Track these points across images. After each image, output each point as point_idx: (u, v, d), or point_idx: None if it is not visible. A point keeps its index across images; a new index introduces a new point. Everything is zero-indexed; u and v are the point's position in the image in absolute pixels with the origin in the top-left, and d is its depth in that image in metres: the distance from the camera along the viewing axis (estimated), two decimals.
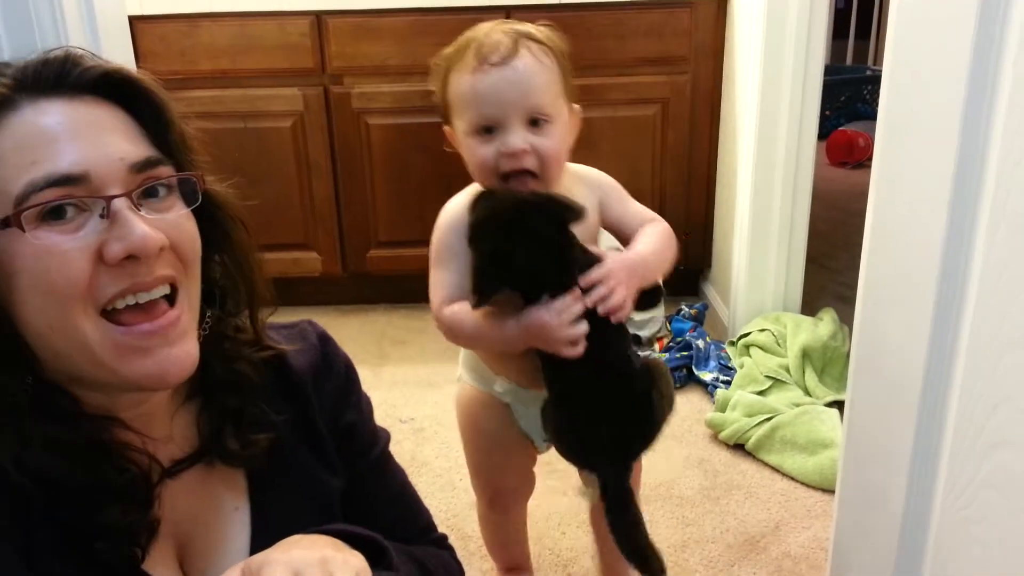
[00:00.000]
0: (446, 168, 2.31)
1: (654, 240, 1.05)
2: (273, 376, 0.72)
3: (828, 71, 2.40)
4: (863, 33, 5.05)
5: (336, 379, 0.76)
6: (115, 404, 0.61)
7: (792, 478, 1.61)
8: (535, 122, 0.96)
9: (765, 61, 1.91)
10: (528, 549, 1.36)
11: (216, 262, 0.67)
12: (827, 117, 4.14)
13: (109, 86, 0.58)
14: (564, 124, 1.00)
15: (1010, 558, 0.75)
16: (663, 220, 1.09)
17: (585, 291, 0.92)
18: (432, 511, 0.87)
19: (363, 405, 0.80)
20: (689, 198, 2.35)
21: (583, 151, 2.57)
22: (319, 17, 2.15)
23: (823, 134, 3.60)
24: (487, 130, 0.96)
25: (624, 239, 1.08)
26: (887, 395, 0.96)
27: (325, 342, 0.77)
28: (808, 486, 1.58)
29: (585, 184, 1.07)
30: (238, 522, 0.69)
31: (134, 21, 2.08)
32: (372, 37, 2.18)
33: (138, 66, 1.95)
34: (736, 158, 2.12)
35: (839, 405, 1.72)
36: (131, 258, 0.54)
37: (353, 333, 2.27)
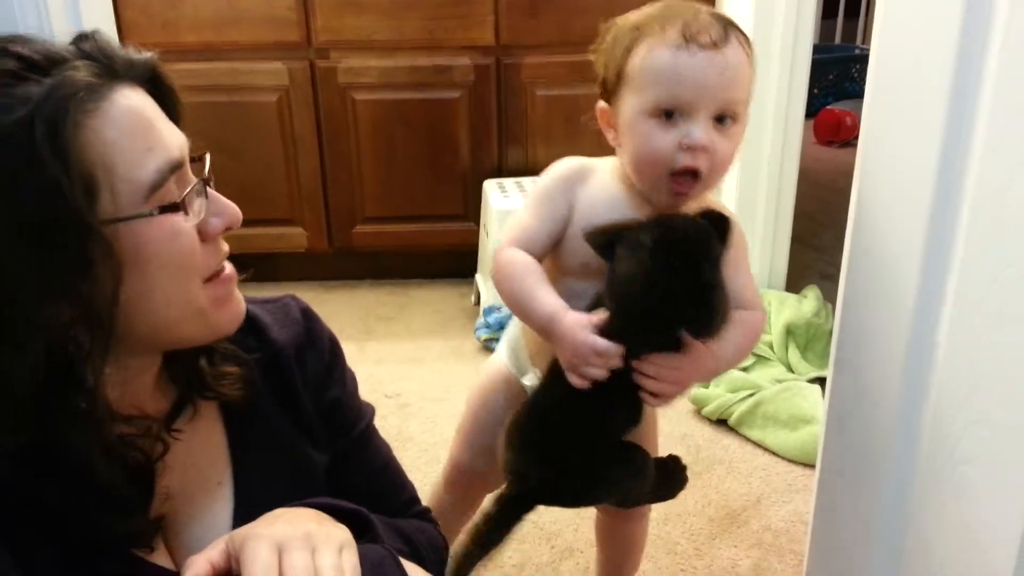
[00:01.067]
0: (432, 144, 2.31)
1: (741, 340, 0.90)
2: (255, 346, 0.72)
3: (816, 50, 2.40)
4: (852, 12, 5.04)
5: (320, 354, 0.76)
6: (128, 386, 0.61)
7: (774, 453, 1.63)
8: (721, 119, 0.86)
9: (754, 39, 1.88)
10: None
11: None
12: (815, 95, 4.14)
13: (152, 78, 0.61)
14: (743, 130, 0.90)
15: (986, 533, 0.77)
16: (760, 308, 0.95)
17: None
18: (417, 485, 0.88)
19: (348, 380, 0.80)
20: None
21: (571, 128, 2.56)
22: None
23: (811, 112, 3.60)
24: (668, 114, 0.85)
25: None
26: (869, 371, 0.97)
27: (308, 317, 0.77)
28: (789, 461, 1.61)
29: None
30: (221, 497, 0.69)
31: None
32: (359, 11, 2.15)
33: (120, 38, 1.92)
34: None
35: (821, 381, 1.74)
36: (224, 230, 0.61)
37: (339, 309, 2.26)
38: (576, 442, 0.90)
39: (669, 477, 1.03)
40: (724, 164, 0.87)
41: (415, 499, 0.86)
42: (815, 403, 1.66)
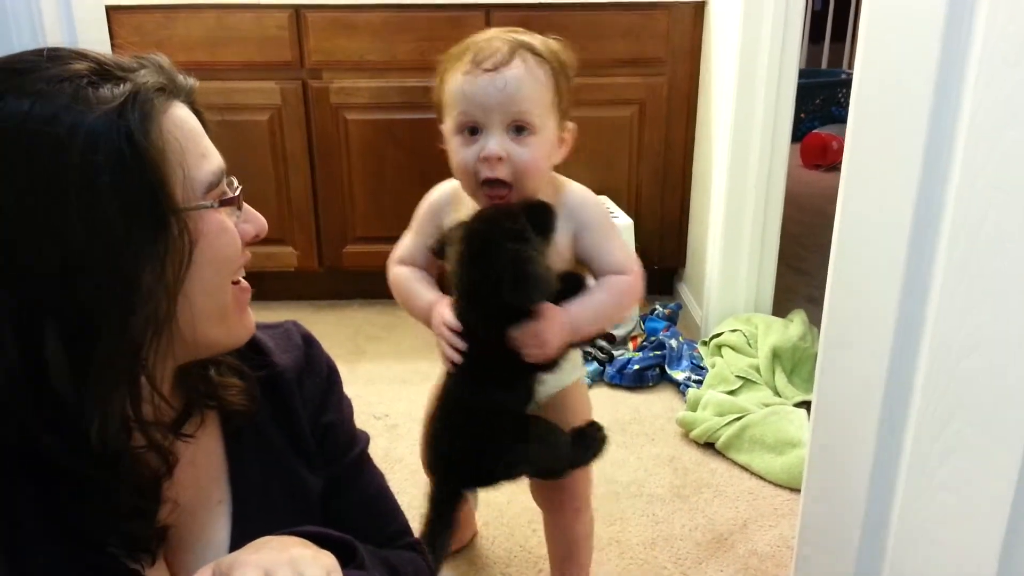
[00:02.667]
0: (423, 164, 2.32)
1: (603, 299, 1.03)
2: (258, 367, 0.73)
3: (803, 74, 2.44)
4: (838, 36, 5.12)
5: (318, 379, 0.78)
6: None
7: (760, 477, 1.64)
8: (518, 130, 0.98)
9: (741, 63, 1.93)
10: (468, 513, 1.42)
11: None
12: (802, 120, 4.20)
13: (191, 101, 0.65)
14: (548, 138, 1.01)
15: (965, 560, 0.78)
16: (634, 271, 1.06)
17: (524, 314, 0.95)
18: (405, 507, 0.88)
19: (344, 407, 0.81)
20: (664, 198, 2.38)
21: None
22: (297, 11, 2.15)
23: (797, 136, 3.65)
24: (471, 131, 0.99)
25: (594, 275, 1.07)
26: (851, 398, 0.98)
27: (309, 343, 0.79)
28: (776, 485, 1.61)
29: (564, 210, 1.05)
30: (220, 515, 0.70)
31: (111, 11, 2.06)
32: (350, 32, 2.17)
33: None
34: (711, 159, 2.14)
35: (808, 405, 1.75)
36: (252, 239, 0.66)
37: (328, 329, 2.26)
38: (479, 425, 1.00)
39: (587, 443, 1.11)
40: (529, 169, 0.99)
41: (406, 530, 0.86)
42: (801, 427, 1.67)
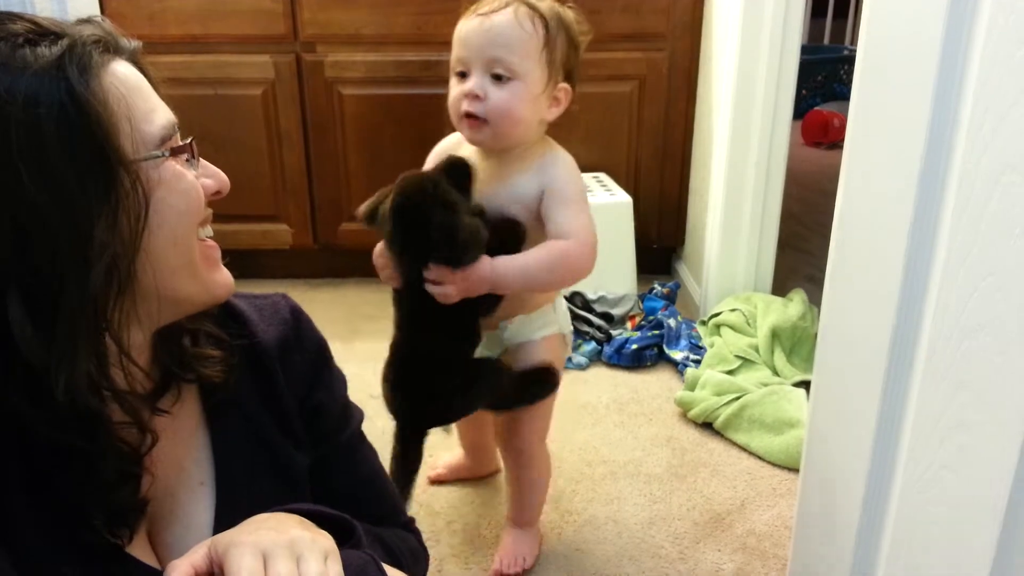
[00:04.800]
0: (420, 140, 2.28)
1: (537, 258, 1.07)
2: (237, 337, 0.71)
3: (805, 50, 2.41)
4: (841, 13, 5.06)
5: (306, 355, 0.76)
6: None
7: (759, 457, 1.63)
8: (498, 77, 1.06)
9: (742, 39, 1.90)
10: (488, 452, 1.53)
11: None
12: (803, 97, 4.16)
13: (136, 64, 0.64)
14: (530, 88, 1.07)
15: (966, 538, 0.77)
16: (578, 241, 1.08)
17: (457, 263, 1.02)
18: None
19: (335, 384, 0.79)
20: (664, 176, 2.35)
21: (559, 127, 2.55)
22: None
23: (799, 114, 3.62)
24: (462, 74, 1.09)
25: (548, 237, 1.11)
26: (852, 376, 0.97)
27: (298, 317, 0.77)
28: (774, 465, 1.61)
29: (536, 168, 1.12)
30: (204, 496, 0.69)
31: None
32: (346, 5, 2.14)
33: None
34: (711, 137, 2.12)
35: (807, 385, 1.74)
36: (216, 194, 0.66)
37: (324, 307, 2.25)
38: (429, 370, 1.09)
39: (533, 385, 1.19)
40: (502, 112, 1.06)
41: (399, 508, 0.85)
42: (800, 407, 1.66)
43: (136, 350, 0.62)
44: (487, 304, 1.08)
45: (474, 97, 1.06)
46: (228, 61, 2.16)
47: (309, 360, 0.76)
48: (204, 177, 0.65)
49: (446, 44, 2.38)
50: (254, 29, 2.13)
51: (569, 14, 1.10)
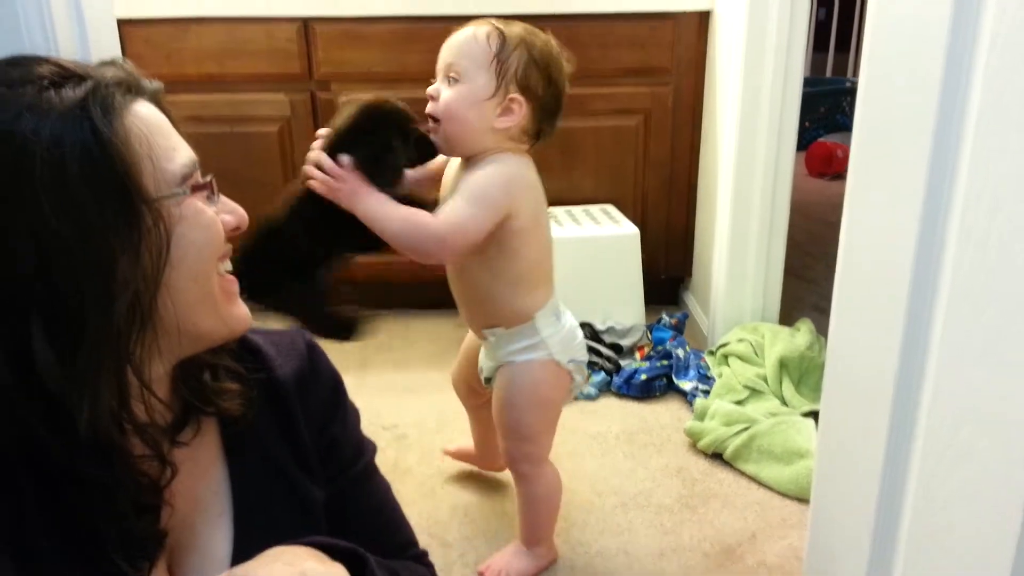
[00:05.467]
0: None
1: (399, 213, 1.13)
2: (257, 381, 0.72)
3: (808, 83, 2.44)
4: (843, 46, 5.13)
5: (322, 390, 0.77)
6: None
7: (768, 487, 1.63)
8: (451, 80, 1.17)
9: (746, 73, 1.94)
10: (495, 450, 1.55)
11: None
12: (806, 128, 4.20)
13: (157, 99, 0.66)
14: (475, 92, 1.16)
15: (977, 568, 0.77)
16: (438, 225, 1.15)
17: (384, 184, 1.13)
18: (414, 518, 0.88)
19: (349, 418, 0.80)
20: (670, 207, 2.38)
21: (568, 160, 2.59)
22: (306, 23, 2.16)
23: (802, 145, 3.66)
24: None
25: None
26: (860, 407, 0.98)
27: (313, 351, 0.78)
28: (784, 495, 1.61)
29: (475, 163, 1.20)
30: (222, 528, 0.69)
31: (122, 24, 2.08)
32: (359, 44, 2.19)
33: None
34: (717, 168, 2.15)
35: (815, 415, 1.75)
36: (236, 229, 0.67)
37: None
38: (289, 249, 1.15)
39: (339, 323, 1.25)
40: (447, 110, 1.16)
41: (412, 541, 0.86)
42: (809, 437, 1.66)
43: (156, 383, 0.64)
44: (354, 233, 1.15)
45: (431, 98, 1.17)
46: (244, 99, 2.21)
47: (325, 394, 0.77)
48: (224, 213, 0.66)
49: None
50: (270, 68, 2.19)
51: (542, 41, 1.19)
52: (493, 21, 1.19)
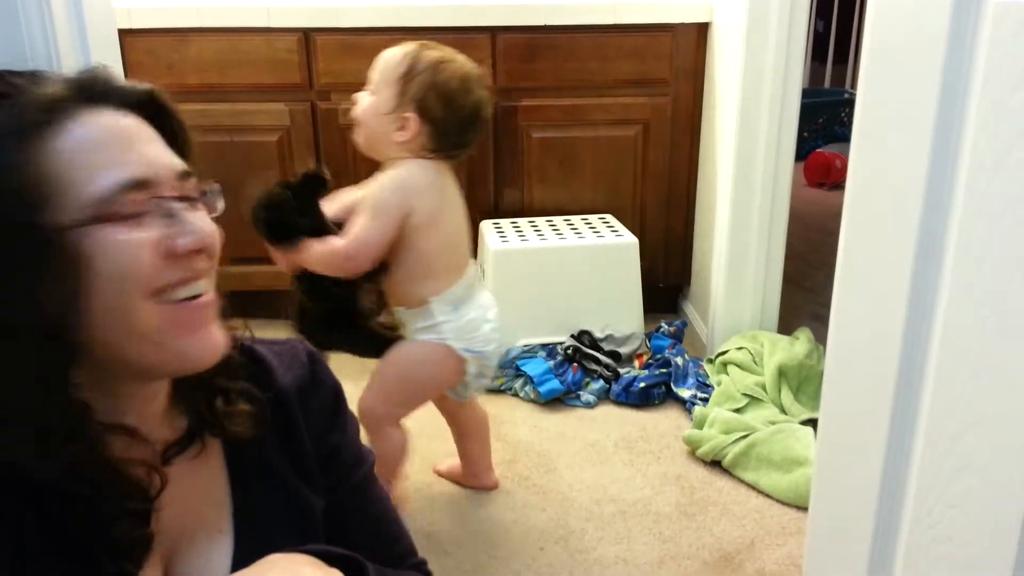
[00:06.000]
0: None
1: (319, 250, 1.34)
2: (258, 390, 0.72)
3: (806, 94, 2.46)
4: (841, 57, 5.15)
5: (323, 399, 0.77)
6: (121, 409, 0.62)
7: (767, 495, 1.63)
8: (369, 91, 1.36)
9: (744, 84, 1.95)
10: (478, 467, 1.67)
11: None
12: (805, 139, 4.21)
13: (147, 104, 0.63)
14: (379, 105, 1.34)
15: (977, 574, 0.78)
16: (346, 243, 1.33)
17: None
18: (412, 526, 0.88)
19: (349, 427, 0.80)
20: (669, 217, 2.39)
21: (567, 170, 2.60)
22: (306, 34, 2.17)
23: (801, 155, 3.67)
24: None
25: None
26: (859, 415, 0.99)
27: (314, 361, 0.78)
28: (783, 503, 1.61)
29: (378, 178, 1.38)
30: (222, 540, 0.69)
31: (123, 34, 2.09)
32: (358, 54, 2.19)
33: (127, 79, 1.96)
34: (715, 178, 2.16)
35: (814, 423, 1.75)
36: (194, 252, 0.61)
37: None
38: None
39: (382, 345, 1.48)
40: (359, 117, 1.38)
41: (412, 550, 0.85)
42: (808, 445, 1.67)
43: (140, 400, 0.63)
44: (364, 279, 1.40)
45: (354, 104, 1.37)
46: (245, 109, 2.22)
47: (326, 403, 0.77)
48: (181, 236, 0.59)
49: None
50: (270, 78, 2.20)
51: (454, 69, 1.33)
52: (422, 44, 1.35)
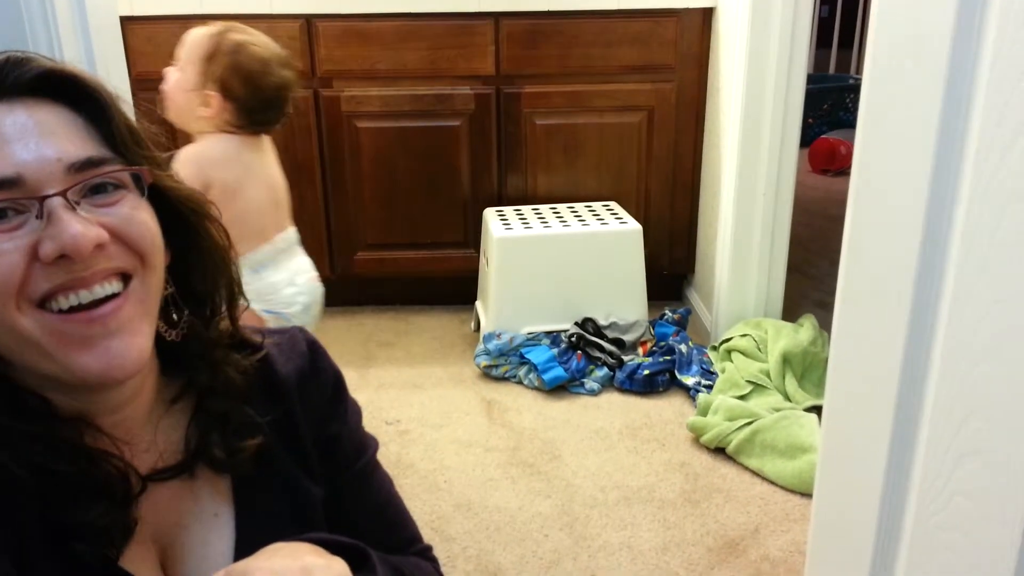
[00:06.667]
0: (433, 172, 2.34)
1: None
2: (258, 381, 0.72)
3: (811, 79, 2.44)
4: (846, 42, 5.12)
5: (323, 387, 0.76)
6: (89, 410, 0.61)
7: (771, 482, 1.63)
8: (177, 68, 1.42)
9: (749, 70, 1.94)
10: None
11: (190, 262, 0.67)
12: (810, 125, 4.19)
13: (50, 86, 0.59)
14: (182, 81, 1.40)
15: (981, 564, 0.78)
16: None
17: None
18: (416, 513, 0.88)
19: (350, 415, 0.80)
20: (674, 204, 2.38)
21: (571, 157, 2.60)
22: (309, 20, 2.16)
23: (805, 142, 3.65)
24: None
25: None
26: (863, 402, 0.98)
27: (315, 350, 0.77)
28: (787, 490, 1.61)
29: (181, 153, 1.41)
30: (221, 527, 0.69)
31: (125, 22, 2.09)
32: (361, 41, 2.19)
33: (128, 67, 1.95)
34: (720, 165, 2.15)
35: (818, 410, 1.75)
36: (65, 257, 0.54)
37: (340, 335, 2.28)
38: None
39: None
40: (166, 92, 1.43)
41: (416, 537, 0.86)
42: (812, 432, 1.67)
43: (116, 402, 0.62)
44: None
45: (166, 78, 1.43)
46: None
47: (325, 392, 0.76)
48: (48, 239, 0.54)
49: (458, 78, 2.43)
50: None
51: (255, 51, 1.39)
52: (228, 26, 1.41)
